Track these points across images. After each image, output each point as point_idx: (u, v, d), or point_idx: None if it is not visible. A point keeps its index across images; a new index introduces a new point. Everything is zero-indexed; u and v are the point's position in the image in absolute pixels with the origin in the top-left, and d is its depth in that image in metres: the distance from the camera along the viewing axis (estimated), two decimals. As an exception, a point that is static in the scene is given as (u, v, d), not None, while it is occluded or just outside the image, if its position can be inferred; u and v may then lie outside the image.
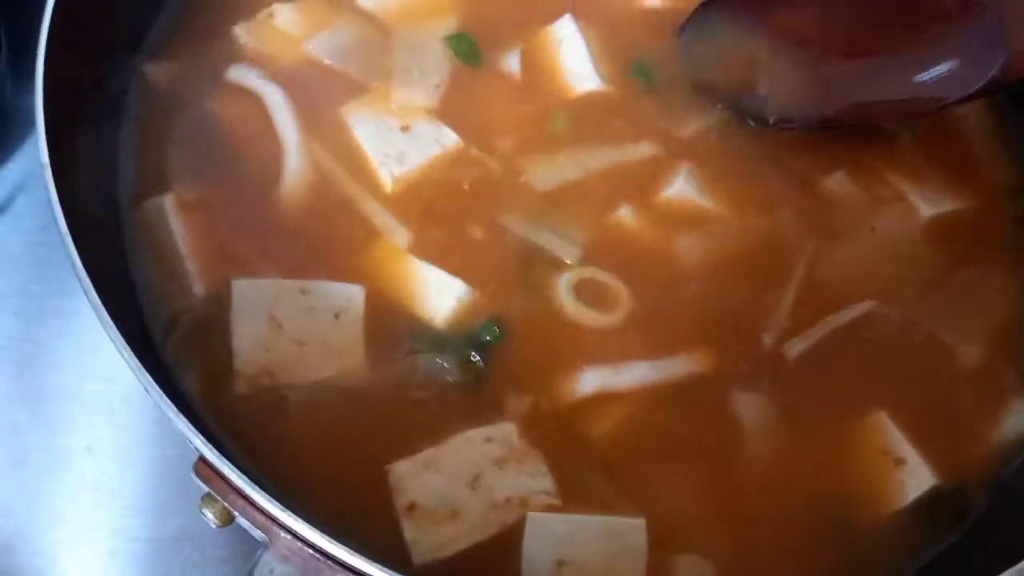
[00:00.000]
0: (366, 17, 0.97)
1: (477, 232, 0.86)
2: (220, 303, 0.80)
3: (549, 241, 0.86)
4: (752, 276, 0.88)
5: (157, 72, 0.92)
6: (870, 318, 0.87)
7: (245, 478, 0.60)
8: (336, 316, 0.78)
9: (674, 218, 0.89)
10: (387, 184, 0.87)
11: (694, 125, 0.94)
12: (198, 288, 0.81)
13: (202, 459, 0.63)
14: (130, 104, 0.90)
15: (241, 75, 0.92)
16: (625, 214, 0.89)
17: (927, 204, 0.93)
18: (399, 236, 0.85)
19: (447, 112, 0.92)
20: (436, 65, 0.95)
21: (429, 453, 0.76)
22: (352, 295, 0.80)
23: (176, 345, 0.79)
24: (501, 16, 0.99)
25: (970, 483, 0.83)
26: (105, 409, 0.93)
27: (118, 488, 0.91)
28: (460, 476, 0.75)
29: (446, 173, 0.89)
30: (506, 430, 0.77)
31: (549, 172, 0.90)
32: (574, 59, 0.96)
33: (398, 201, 0.87)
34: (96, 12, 0.83)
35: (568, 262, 0.85)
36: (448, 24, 0.97)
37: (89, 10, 0.81)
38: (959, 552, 0.80)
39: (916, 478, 0.81)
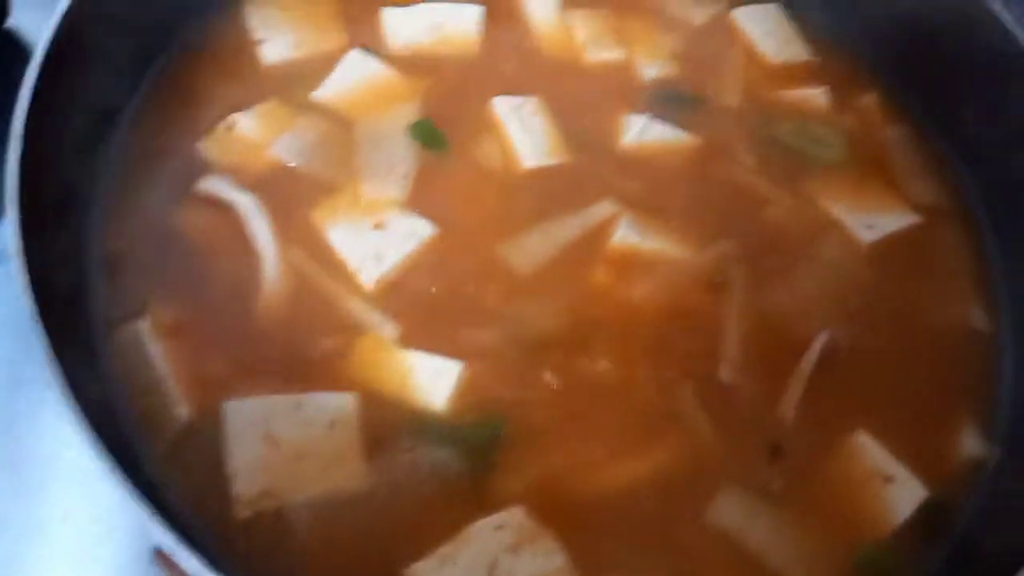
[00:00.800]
0: (326, 114, 0.87)
1: (465, 318, 0.77)
2: (208, 425, 0.69)
3: (532, 318, 0.78)
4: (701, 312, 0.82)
5: (123, 193, 0.82)
6: (829, 347, 0.80)
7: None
8: (331, 425, 0.68)
9: (628, 266, 0.83)
10: (368, 287, 0.78)
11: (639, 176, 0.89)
12: (183, 411, 0.70)
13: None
14: (99, 227, 0.80)
15: (211, 187, 0.81)
16: (599, 275, 0.82)
17: (867, 230, 0.88)
18: (387, 330, 0.75)
19: (419, 202, 0.83)
20: (402, 155, 0.85)
21: (443, 550, 0.66)
22: (345, 403, 0.70)
23: (162, 466, 0.69)
24: (459, 97, 0.91)
25: (953, 492, 0.77)
26: (82, 478, 0.82)
27: (94, 557, 0.80)
28: (477, 568, 0.66)
29: (426, 263, 0.80)
30: (515, 515, 0.68)
31: (526, 254, 0.82)
32: (530, 135, 0.89)
33: (382, 297, 0.77)
34: (51, 158, 0.74)
35: (538, 333, 0.77)
36: (408, 112, 0.89)
37: (46, 158, 0.73)
38: (955, 563, 0.75)
39: (907, 493, 0.75)
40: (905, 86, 1.00)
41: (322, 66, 0.92)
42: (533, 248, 0.83)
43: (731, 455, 0.74)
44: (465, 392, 0.74)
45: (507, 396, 0.74)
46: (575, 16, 1.01)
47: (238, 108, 0.87)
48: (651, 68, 0.98)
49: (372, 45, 0.94)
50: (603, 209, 0.86)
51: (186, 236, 0.80)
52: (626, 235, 0.84)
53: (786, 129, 0.95)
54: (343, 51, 0.93)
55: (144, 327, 0.75)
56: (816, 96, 0.98)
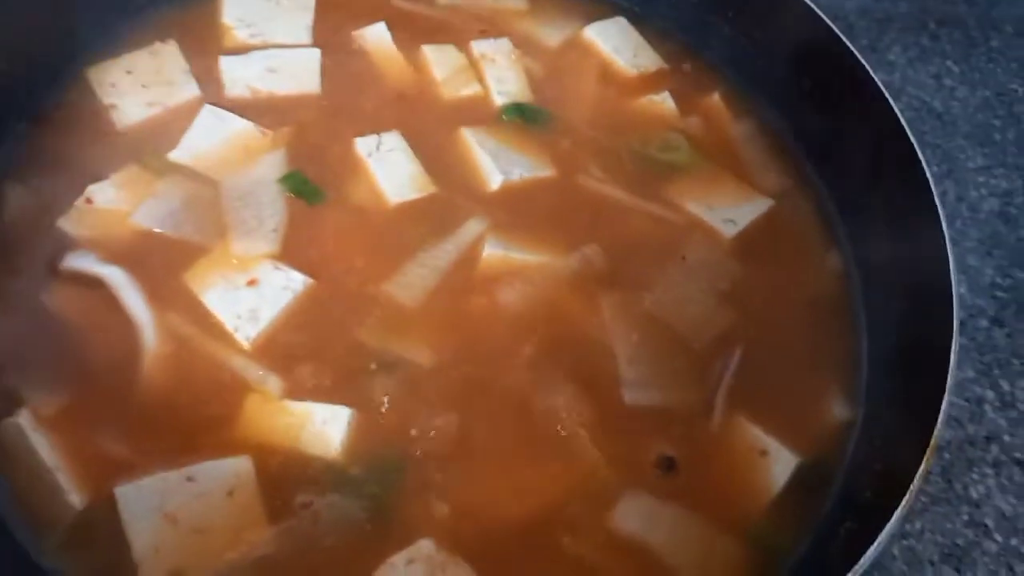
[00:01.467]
0: (188, 175, 0.87)
1: (350, 363, 0.78)
2: (104, 510, 0.69)
3: (418, 352, 0.80)
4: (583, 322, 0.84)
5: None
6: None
7: None
8: (230, 494, 0.69)
9: (501, 279, 0.85)
10: (245, 345, 0.78)
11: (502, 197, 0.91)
12: (76, 499, 0.69)
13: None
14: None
15: (77, 263, 0.80)
16: (479, 297, 0.84)
17: (728, 224, 0.93)
18: (271, 384, 0.76)
19: (292, 253, 0.83)
20: (271, 208, 0.85)
21: (360, 595, 0.69)
22: (240, 468, 0.70)
23: (57, 555, 0.69)
24: (320, 141, 0.92)
25: (826, 453, 0.83)
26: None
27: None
28: (396, 605, 0.68)
29: (303, 314, 0.80)
30: (424, 547, 0.71)
31: (407, 287, 0.83)
32: (392, 171, 0.90)
33: (262, 353, 0.78)
34: None
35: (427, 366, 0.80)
36: (272, 162, 0.89)
37: None
38: (838, 508, 0.80)
39: (782, 462, 0.80)
40: (748, 83, 1.06)
41: (178, 122, 0.91)
42: (413, 281, 0.84)
43: (628, 469, 0.78)
44: (359, 436, 0.76)
45: (401, 435, 0.76)
46: (424, 51, 1.02)
47: (98, 178, 0.86)
48: (504, 93, 1.00)
49: (214, 95, 0.94)
50: (472, 228, 0.89)
51: (57, 318, 0.79)
52: (493, 250, 0.86)
53: (635, 138, 0.99)
54: (196, 102, 0.93)
55: (25, 419, 0.73)
56: (661, 101, 1.02)
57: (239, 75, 0.95)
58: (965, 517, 0.98)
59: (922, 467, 0.70)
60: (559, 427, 0.78)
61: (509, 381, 0.81)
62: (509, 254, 0.86)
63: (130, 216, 0.84)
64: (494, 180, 0.92)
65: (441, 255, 0.87)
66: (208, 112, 0.91)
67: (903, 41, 1.37)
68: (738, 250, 0.92)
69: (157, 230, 0.84)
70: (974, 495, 0.99)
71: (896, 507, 0.68)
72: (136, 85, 0.93)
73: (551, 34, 1.07)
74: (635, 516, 0.76)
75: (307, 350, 0.80)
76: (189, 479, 0.70)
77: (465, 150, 0.95)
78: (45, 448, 0.72)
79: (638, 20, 1.10)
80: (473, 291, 0.85)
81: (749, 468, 0.80)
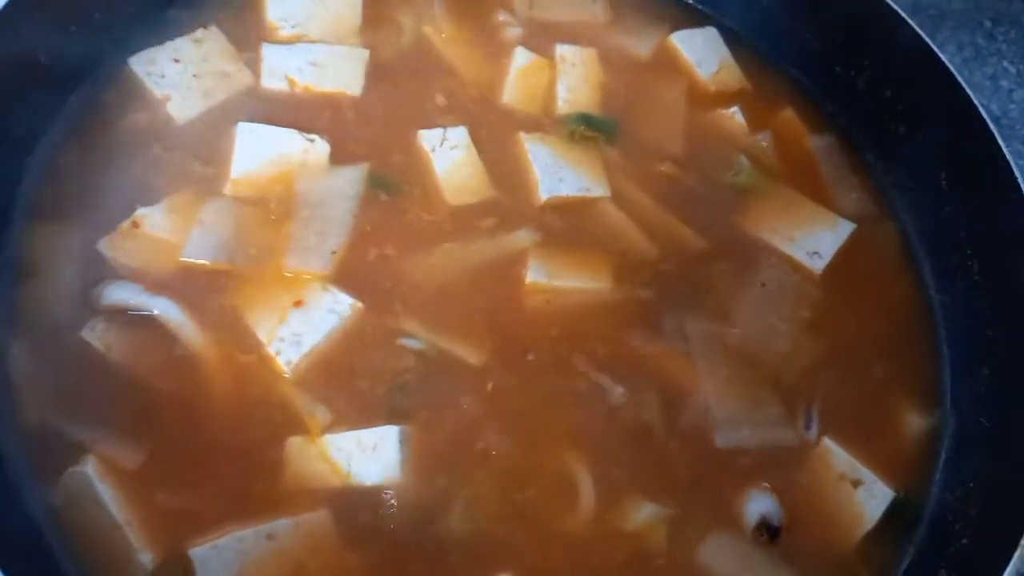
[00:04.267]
0: (240, 198, 0.82)
1: (391, 380, 0.77)
2: (175, 570, 0.66)
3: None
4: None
5: (23, 320, 0.76)
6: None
7: None
8: (313, 551, 0.66)
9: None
10: (286, 370, 0.75)
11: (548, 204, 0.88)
12: (146, 558, 0.66)
13: None
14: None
15: (120, 296, 0.76)
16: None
17: (814, 258, 0.90)
18: (319, 414, 0.74)
19: (343, 272, 0.80)
20: (337, 228, 0.82)
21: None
22: (319, 520, 0.69)
23: None
24: (381, 142, 0.89)
25: (914, 487, 0.82)
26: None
27: None
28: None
29: (348, 339, 0.78)
30: None
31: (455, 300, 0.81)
32: (457, 170, 0.88)
33: (303, 378, 0.75)
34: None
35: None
36: (350, 179, 0.85)
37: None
38: (931, 552, 0.80)
39: (877, 495, 0.79)
40: (828, 96, 1.03)
41: (233, 115, 0.87)
42: (458, 293, 0.83)
43: (719, 513, 0.76)
44: (417, 454, 0.74)
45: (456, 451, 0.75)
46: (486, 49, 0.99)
47: (150, 191, 0.82)
48: (570, 102, 0.97)
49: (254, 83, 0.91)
50: (520, 238, 0.86)
51: (104, 358, 0.75)
52: (536, 278, 0.84)
53: (705, 159, 0.95)
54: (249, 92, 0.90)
55: (91, 469, 0.69)
56: (731, 116, 0.98)
57: (279, 64, 0.91)
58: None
59: (1033, 520, 0.69)
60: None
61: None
62: (551, 282, 0.84)
63: (179, 249, 0.80)
64: (541, 193, 0.89)
65: (487, 265, 0.85)
66: (245, 130, 0.86)
67: (957, 40, 1.34)
68: (826, 280, 0.90)
69: (207, 261, 0.80)
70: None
71: (1004, 567, 0.67)
72: (187, 75, 0.89)
73: (638, 44, 1.04)
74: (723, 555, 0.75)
75: (351, 372, 0.77)
76: (269, 537, 0.67)
77: (522, 156, 0.92)
78: (113, 501, 0.68)
79: (723, 30, 1.06)
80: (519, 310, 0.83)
81: (843, 501, 0.79)
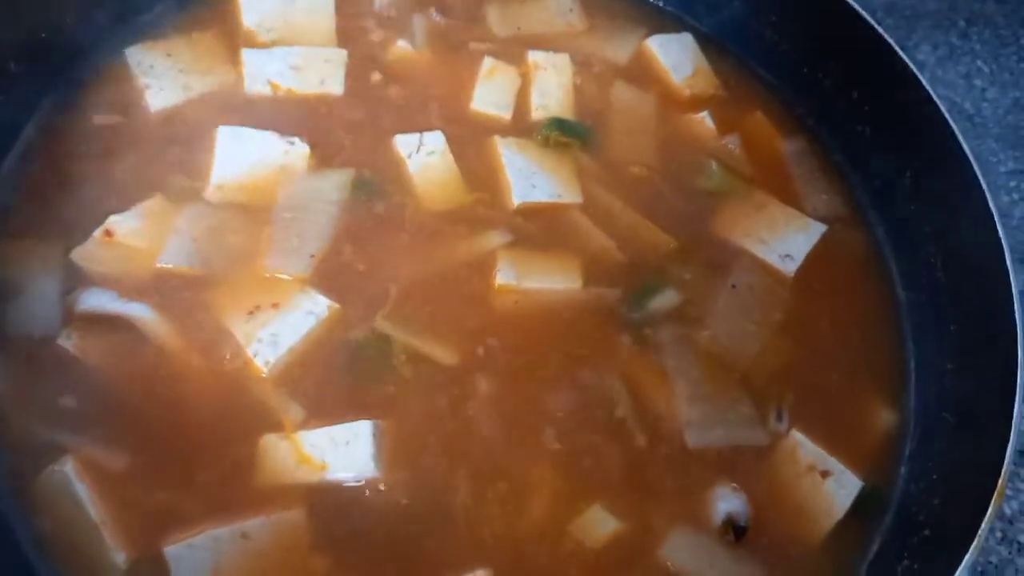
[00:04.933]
0: (217, 203, 0.84)
1: (368, 380, 0.78)
2: (149, 569, 0.68)
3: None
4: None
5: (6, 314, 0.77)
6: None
7: None
8: (287, 550, 0.68)
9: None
10: (264, 370, 0.77)
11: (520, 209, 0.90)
12: (120, 557, 0.68)
13: None
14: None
15: (95, 302, 0.77)
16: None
17: (786, 260, 0.91)
18: (293, 412, 0.75)
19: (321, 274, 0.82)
20: (317, 232, 0.84)
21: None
22: (294, 520, 0.70)
23: None
24: (360, 145, 0.91)
25: (881, 479, 0.84)
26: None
27: None
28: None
29: (324, 339, 0.80)
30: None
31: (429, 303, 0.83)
32: (433, 175, 0.89)
33: (281, 379, 0.77)
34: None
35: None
36: (336, 182, 0.87)
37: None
38: (894, 542, 0.81)
39: (845, 485, 0.80)
40: (798, 98, 1.05)
41: (208, 114, 0.90)
42: (433, 295, 0.85)
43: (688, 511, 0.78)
44: (391, 447, 0.76)
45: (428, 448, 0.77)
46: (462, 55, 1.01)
47: (121, 199, 0.83)
48: (544, 107, 0.99)
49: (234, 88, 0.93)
50: (492, 240, 0.88)
51: (84, 363, 0.76)
52: (505, 280, 0.85)
53: (676, 163, 0.97)
54: (227, 92, 0.92)
55: (71, 468, 0.71)
56: (701, 120, 1.00)
57: (260, 70, 0.94)
58: (999, 534, 0.99)
59: (990, 510, 0.70)
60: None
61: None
62: (521, 284, 0.86)
63: (155, 257, 0.81)
64: (514, 198, 0.91)
65: (459, 267, 0.87)
66: (226, 134, 0.88)
67: (932, 39, 1.36)
68: (798, 282, 0.92)
69: (184, 267, 0.82)
70: (1007, 511, 1.00)
71: (961, 558, 0.68)
72: (174, 70, 0.92)
73: (615, 50, 1.06)
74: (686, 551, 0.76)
75: (326, 371, 0.79)
76: (243, 536, 0.68)
77: (496, 162, 0.93)
78: (90, 500, 0.70)
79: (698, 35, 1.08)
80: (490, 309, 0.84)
81: (812, 492, 0.80)
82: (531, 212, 0.91)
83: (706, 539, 0.77)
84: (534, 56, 1.01)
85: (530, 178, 0.92)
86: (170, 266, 0.81)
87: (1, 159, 0.85)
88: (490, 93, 0.98)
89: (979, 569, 0.97)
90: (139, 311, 0.79)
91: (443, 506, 0.75)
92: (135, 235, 0.81)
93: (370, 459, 0.74)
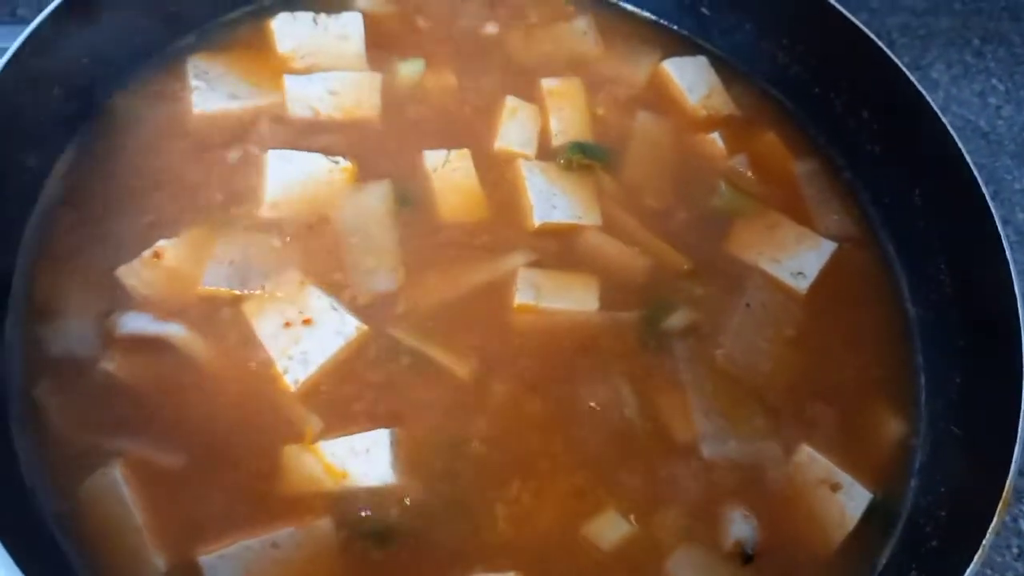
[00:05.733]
0: (264, 227, 0.89)
1: (387, 395, 0.82)
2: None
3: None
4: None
5: (47, 336, 0.82)
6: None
7: None
8: (313, 560, 0.72)
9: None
10: (292, 388, 0.81)
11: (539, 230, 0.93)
12: (159, 563, 0.72)
13: None
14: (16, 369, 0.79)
15: (135, 326, 0.81)
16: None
17: (798, 278, 0.94)
18: (313, 424, 0.79)
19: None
20: (383, 242, 0.88)
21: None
22: (322, 531, 0.73)
23: None
24: (393, 162, 0.95)
25: (891, 492, 0.86)
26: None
27: None
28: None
29: (351, 359, 0.83)
30: None
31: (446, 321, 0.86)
32: (455, 189, 0.93)
33: (307, 395, 0.81)
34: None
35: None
36: (377, 194, 0.92)
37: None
38: (903, 554, 0.83)
39: (855, 498, 0.83)
40: (809, 118, 1.08)
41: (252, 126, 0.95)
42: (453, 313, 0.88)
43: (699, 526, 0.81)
44: (408, 455, 0.79)
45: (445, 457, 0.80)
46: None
47: (165, 225, 0.87)
48: (563, 133, 1.02)
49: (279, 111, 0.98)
50: (511, 261, 0.91)
51: (124, 380, 0.80)
52: (524, 299, 0.88)
53: (692, 184, 0.99)
54: (271, 109, 0.98)
55: (119, 473, 0.75)
56: (713, 141, 1.03)
57: (301, 94, 0.99)
58: (1015, 550, 1.00)
59: (994, 521, 0.72)
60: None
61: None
62: (540, 303, 0.89)
63: (198, 280, 0.85)
64: (535, 219, 0.94)
65: (480, 285, 0.90)
66: (275, 157, 0.92)
67: (946, 58, 1.38)
68: (811, 299, 0.94)
69: (224, 289, 0.85)
70: (1024, 527, 1.01)
71: (967, 567, 0.70)
72: (227, 78, 0.99)
73: (631, 72, 1.09)
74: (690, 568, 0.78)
75: (348, 384, 0.82)
76: (274, 546, 0.72)
77: (519, 182, 0.97)
78: (136, 506, 0.74)
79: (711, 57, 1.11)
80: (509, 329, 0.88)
81: (823, 505, 0.83)
82: (551, 233, 0.94)
83: (712, 559, 0.79)
84: (548, 84, 1.04)
85: (551, 199, 0.95)
86: (212, 288, 0.85)
87: (45, 179, 0.90)
88: (513, 131, 1.01)
89: (995, 584, 0.99)
90: (176, 331, 0.83)
91: (462, 510, 0.78)
92: (183, 260, 0.85)
93: (389, 467, 0.77)
